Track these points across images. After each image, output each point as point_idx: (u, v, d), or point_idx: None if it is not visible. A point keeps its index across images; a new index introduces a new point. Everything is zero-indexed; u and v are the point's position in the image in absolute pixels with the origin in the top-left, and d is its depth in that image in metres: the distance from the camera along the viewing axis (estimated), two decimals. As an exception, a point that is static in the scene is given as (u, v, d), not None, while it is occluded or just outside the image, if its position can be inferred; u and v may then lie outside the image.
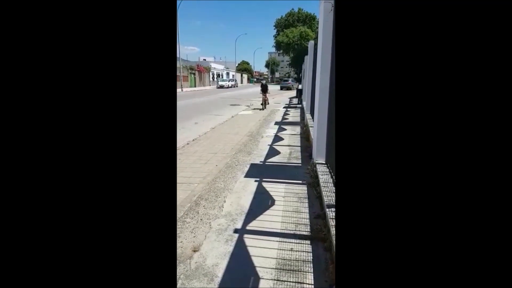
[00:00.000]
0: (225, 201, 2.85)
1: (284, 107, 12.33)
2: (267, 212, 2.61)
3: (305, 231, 2.28)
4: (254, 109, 11.41)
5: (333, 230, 1.86)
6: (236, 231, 2.30)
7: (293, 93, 15.26)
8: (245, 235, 2.23)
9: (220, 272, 1.81)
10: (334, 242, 1.74)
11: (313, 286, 1.69)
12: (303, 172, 3.64)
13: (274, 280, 1.73)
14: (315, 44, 5.19)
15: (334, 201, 2.33)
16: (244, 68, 65.28)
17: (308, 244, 2.11)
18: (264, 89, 11.65)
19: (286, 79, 41.59)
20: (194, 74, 35.68)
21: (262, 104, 11.74)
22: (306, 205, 2.73)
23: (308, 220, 2.45)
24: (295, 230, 2.28)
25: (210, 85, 39.28)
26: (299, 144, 5.30)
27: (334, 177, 2.77)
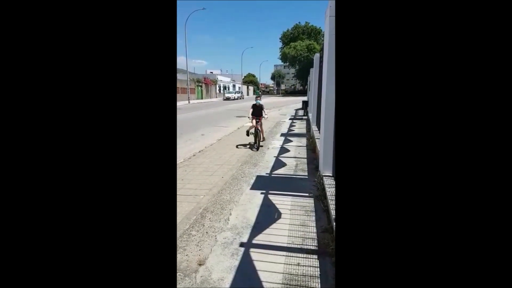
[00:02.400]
0: (231, 214, 2.83)
1: (290, 119, 12.36)
2: (274, 225, 2.57)
3: (312, 245, 2.24)
4: (239, 145, 6.22)
5: (341, 245, 1.83)
6: (242, 244, 2.27)
7: (299, 105, 15.20)
8: (251, 249, 2.19)
9: (226, 286, 1.78)
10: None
11: (321, 303, 1.64)
12: (309, 185, 3.60)
13: (281, 296, 1.69)
14: (321, 57, 5.24)
15: (341, 214, 2.29)
16: (250, 80, 66.09)
17: (315, 258, 2.06)
18: (257, 112, 6.18)
19: None
20: (201, 86, 36.24)
21: (254, 135, 6.11)
22: (313, 218, 2.69)
23: (315, 234, 2.40)
24: (302, 244, 2.24)
25: (216, 97, 39.78)
26: (305, 156, 5.27)
27: (341, 190, 2.73)
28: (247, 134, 6.43)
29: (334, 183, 3.06)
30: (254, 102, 6.32)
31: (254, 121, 6.12)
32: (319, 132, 4.49)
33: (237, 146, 6.17)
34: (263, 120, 6.35)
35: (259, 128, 6.05)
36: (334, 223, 2.17)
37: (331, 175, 3.35)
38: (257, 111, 6.20)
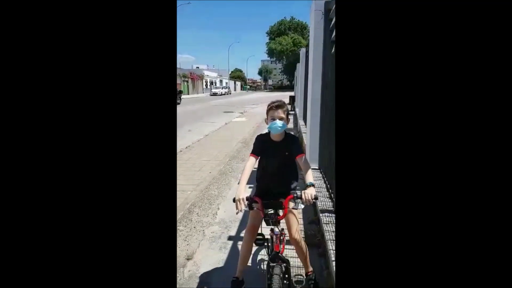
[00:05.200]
0: (218, 209, 2.83)
1: (277, 114, 12.35)
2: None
3: (299, 236, 2.27)
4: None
5: (327, 236, 1.86)
6: (230, 238, 2.28)
7: (286, 100, 15.18)
8: (239, 242, 2.21)
9: (214, 279, 1.79)
10: (328, 247, 1.74)
11: (308, 292, 1.67)
12: (296, 178, 3.64)
13: (269, 287, 1.71)
14: (307, 51, 5.26)
15: (327, 206, 2.33)
16: (237, 75, 65.66)
17: (302, 249, 2.09)
18: (270, 185, 1.52)
19: None
20: (187, 82, 35.69)
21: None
22: (300, 210, 2.73)
23: (302, 226, 2.44)
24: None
25: (203, 93, 39.34)
26: (292, 150, 5.31)
27: (327, 182, 2.78)
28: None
29: (320, 175, 3.11)
30: (263, 133, 1.61)
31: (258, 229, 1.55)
32: (306, 127, 4.53)
33: None
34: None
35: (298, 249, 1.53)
36: (320, 214, 2.21)
37: (317, 168, 3.39)
38: (270, 175, 1.59)
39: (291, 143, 1.52)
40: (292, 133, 6.95)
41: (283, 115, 1.45)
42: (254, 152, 1.55)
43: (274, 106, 1.45)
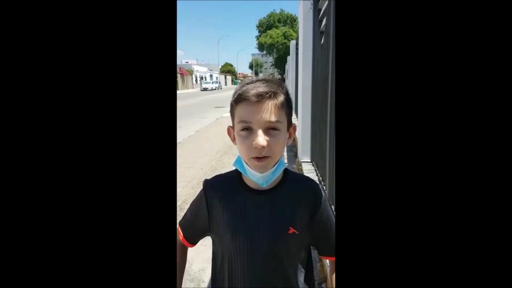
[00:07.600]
0: (211, 204, 2.80)
1: (268, 108, 12.35)
2: (254, 213, 2.58)
3: (292, 230, 2.27)
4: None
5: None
6: (222, 234, 2.26)
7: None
8: (232, 238, 2.19)
9: (206, 277, 1.77)
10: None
11: (302, 286, 1.68)
12: (289, 171, 3.64)
13: (263, 282, 1.71)
14: (297, 44, 5.22)
15: (320, 198, 2.33)
16: (227, 70, 65.22)
17: (295, 243, 2.09)
18: None
19: None
20: (176, 77, 35.30)
21: None
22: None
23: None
24: (282, 230, 2.27)
25: (193, 88, 38.98)
26: (284, 144, 5.32)
27: (319, 174, 2.78)
28: None
29: (312, 168, 3.11)
30: (219, 174, 0.74)
31: None
32: (297, 120, 4.51)
33: None
34: None
35: None
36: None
37: (309, 160, 3.39)
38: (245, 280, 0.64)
39: (313, 202, 0.67)
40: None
41: (278, 118, 0.59)
42: (185, 232, 0.71)
43: (252, 96, 0.57)
